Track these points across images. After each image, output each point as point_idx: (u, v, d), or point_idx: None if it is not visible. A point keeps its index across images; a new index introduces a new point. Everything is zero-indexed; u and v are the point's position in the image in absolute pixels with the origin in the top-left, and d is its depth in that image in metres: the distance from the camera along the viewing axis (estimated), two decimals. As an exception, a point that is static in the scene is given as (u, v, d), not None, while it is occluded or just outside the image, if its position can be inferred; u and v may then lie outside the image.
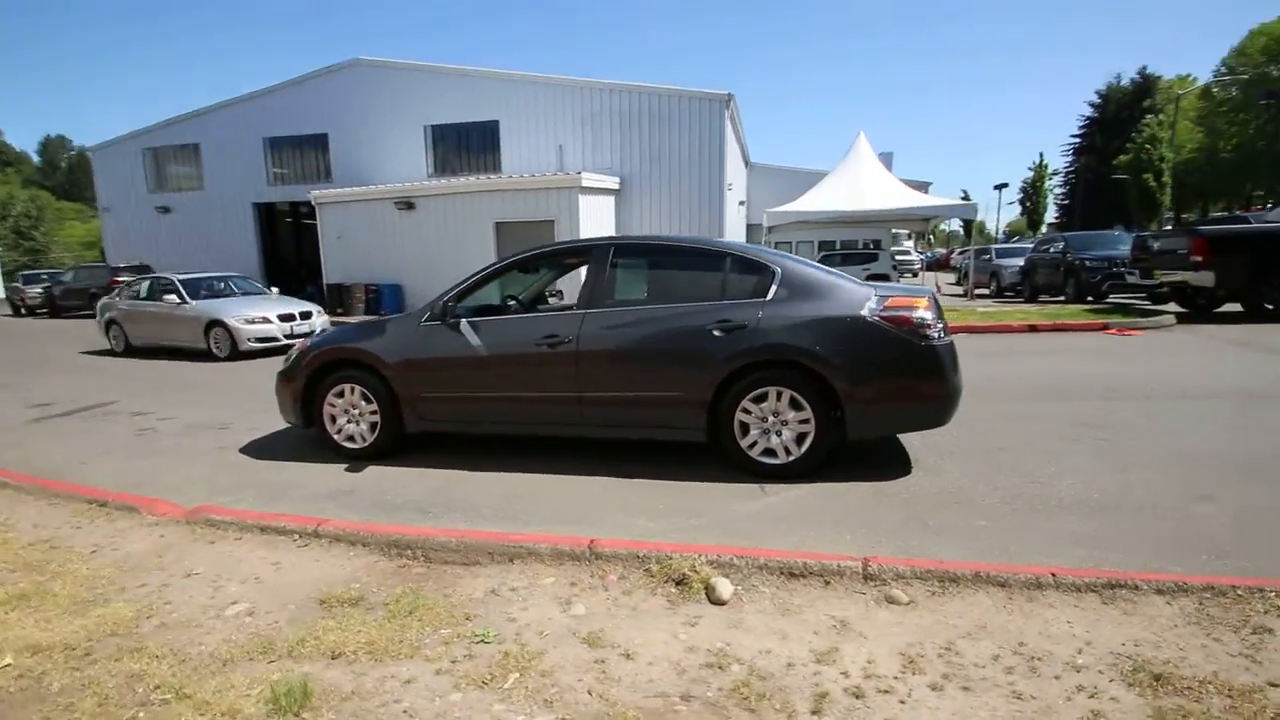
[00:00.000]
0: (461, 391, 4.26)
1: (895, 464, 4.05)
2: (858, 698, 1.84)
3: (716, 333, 3.80)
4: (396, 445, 4.54)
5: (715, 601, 2.39)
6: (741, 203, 25.74)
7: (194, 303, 10.64)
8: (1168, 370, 6.75)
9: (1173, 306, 11.25)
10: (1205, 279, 9.84)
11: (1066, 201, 57.83)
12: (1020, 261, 18.64)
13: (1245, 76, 37.14)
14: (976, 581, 2.39)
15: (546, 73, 20.19)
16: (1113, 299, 13.46)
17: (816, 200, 20.02)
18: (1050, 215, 59.39)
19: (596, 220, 17.61)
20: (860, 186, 20.24)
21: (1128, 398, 5.57)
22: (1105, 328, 9.83)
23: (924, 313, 3.69)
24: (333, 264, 18.63)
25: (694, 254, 4.20)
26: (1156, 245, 11.10)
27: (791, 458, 3.81)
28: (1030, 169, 59.11)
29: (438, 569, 2.75)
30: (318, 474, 4.28)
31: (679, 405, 3.91)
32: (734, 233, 20.93)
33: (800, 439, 3.80)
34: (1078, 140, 58.36)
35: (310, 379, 4.56)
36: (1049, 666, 1.95)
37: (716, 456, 4.08)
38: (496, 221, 16.96)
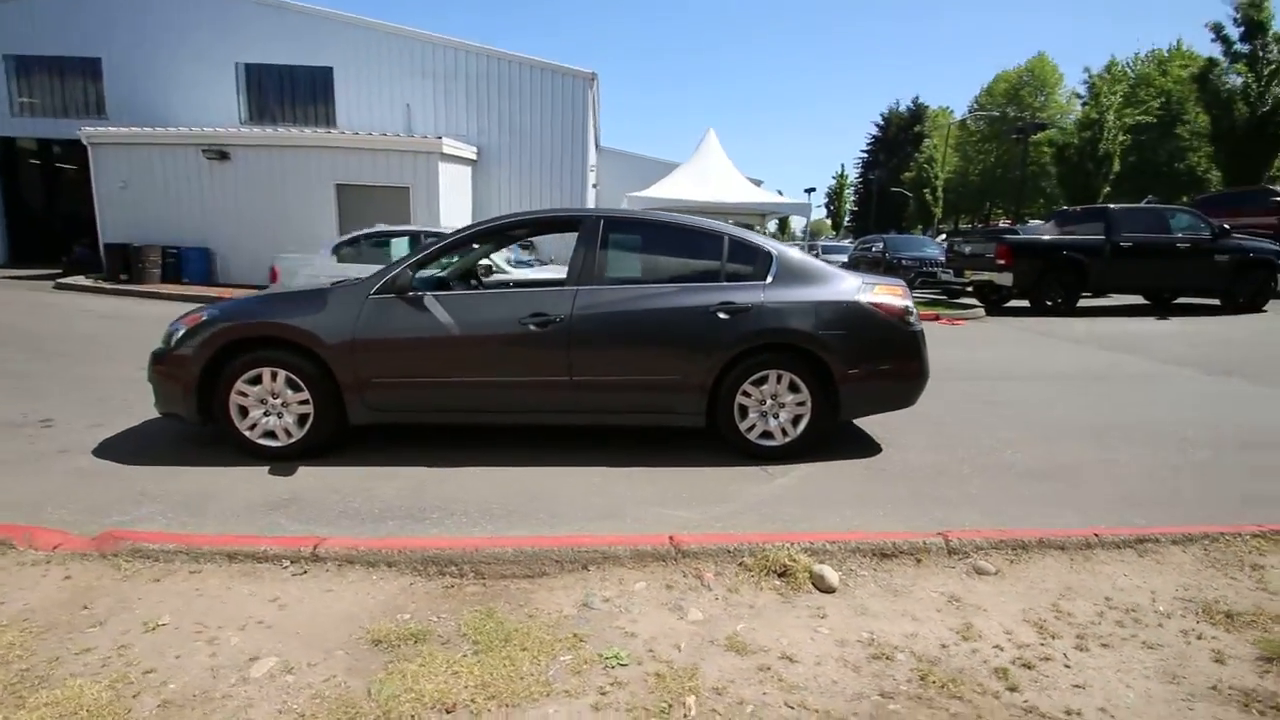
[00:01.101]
0: (426, 376, 3.67)
1: (860, 442, 4.28)
2: (1029, 668, 1.90)
3: (721, 315, 3.70)
4: (331, 442, 3.80)
5: (825, 590, 2.32)
6: (595, 185, 25.67)
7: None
8: (1009, 355, 8.01)
9: (968, 301, 13.39)
10: (1006, 279, 11.85)
11: (856, 208, 66.40)
12: (844, 258, 21.01)
13: (996, 114, 45.11)
14: (1041, 547, 2.60)
15: (392, 21, 18.21)
16: (919, 294, 15.73)
17: (672, 189, 20.62)
18: (845, 219, 67.94)
19: (456, 192, 16.41)
20: (711, 179, 21.26)
21: (997, 378, 6.49)
22: (937, 318, 11.41)
23: (908, 300, 3.93)
24: (113, 220, 15.15)
25: (690, 234, 4.03)
26: (968, 250, 13.12)
27: (788, 439, 3.85)
28: (834, 178, 66.86)
29: (496, 585, 2.33)
30: (234, 480, 3.42)
31: (679, 389, 3.75)
32: (591, 215, 20.72)
33: (796, 420, 3.86)
34: (866, 155, 67.18)
35: (211, 361, 3.62)
36: (1145, 616, 2.19)
37: (708, 440, 4.01)
38: (338, 183, 15.03)
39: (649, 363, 3.72)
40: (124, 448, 3.91)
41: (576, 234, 3.88)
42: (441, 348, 3.65)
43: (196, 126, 15.85)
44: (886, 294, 3.89)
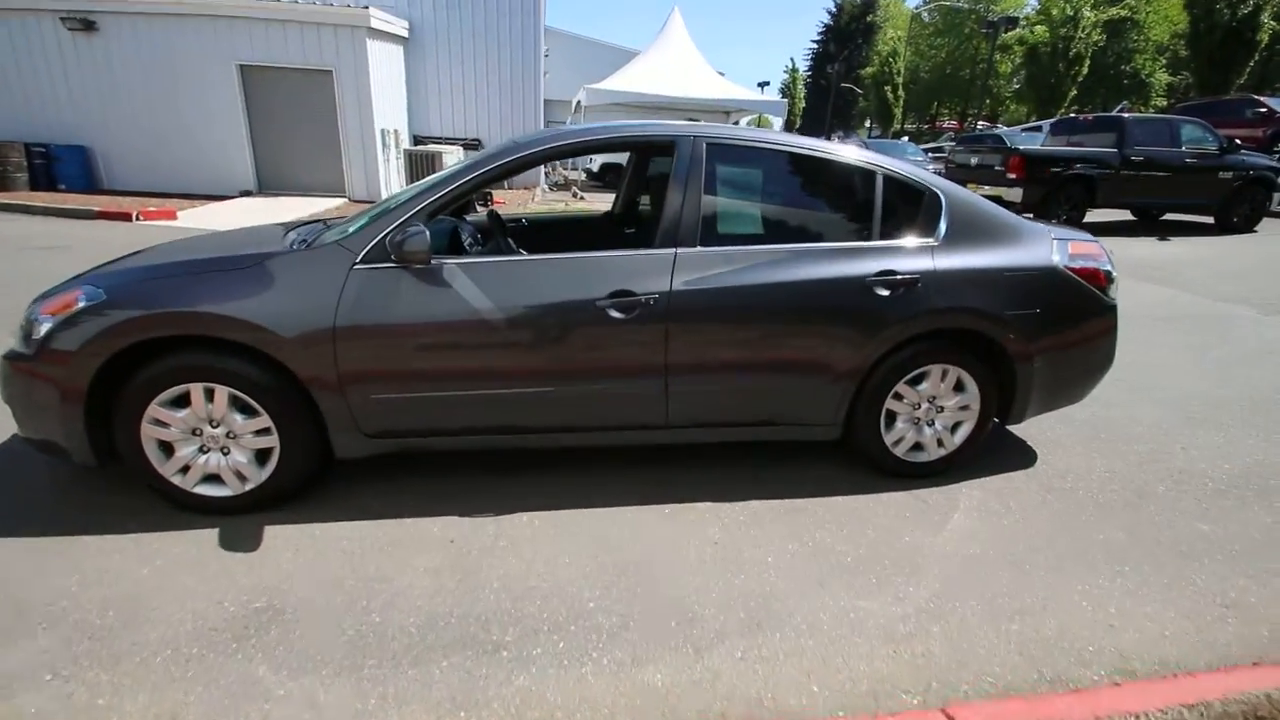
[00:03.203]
0: (453, 387, 2.44)
1: (997, 440, 3.41)
2: None
3: (880, 290, 2.59)
4: (304, 483, 2.58)
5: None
6: (545, 74, 22.85)
7: None
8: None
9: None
10: (1015, 194, 11.03)
11: (805, 105, 63.66)
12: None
13: (961, 4, 42.84)
14: None
15: None
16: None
17: (634, 81, 18.57)
18: (800, 118, 65.29)
19: (388, 79, 13.92)
20: (677, 71, 19.24)
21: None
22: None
23: (1109, 263, 2.92)
24: (-51, 108, 12.08)
25: (830, 167, 2.79)
26: (974, 161, 12.14)
27: (944, 452, 2.90)
28: (785, 72, 63.70)
29: None
30: (168, 564, 2.19)
31: (814, 392, 2.69)
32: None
33: (954, 427, 2.90)
34: (816, 45, 63.64)
35: (101, 372, 2.27)
36: None
37: (814, 447, 3.02)
38: (241, 64, 12.35)
39: (777, 358, 2.61)
40: (-25, 498, 2.55)
41: (666, 164, 2.61)
42: (475, 345, 2.41)
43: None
44: (1086, 254, 2.86)
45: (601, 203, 14.99)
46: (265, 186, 13.21)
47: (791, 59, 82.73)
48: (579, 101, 18.33)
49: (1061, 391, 2.98)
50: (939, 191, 2.76)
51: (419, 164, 12.19)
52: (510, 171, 2.51)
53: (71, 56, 12.14)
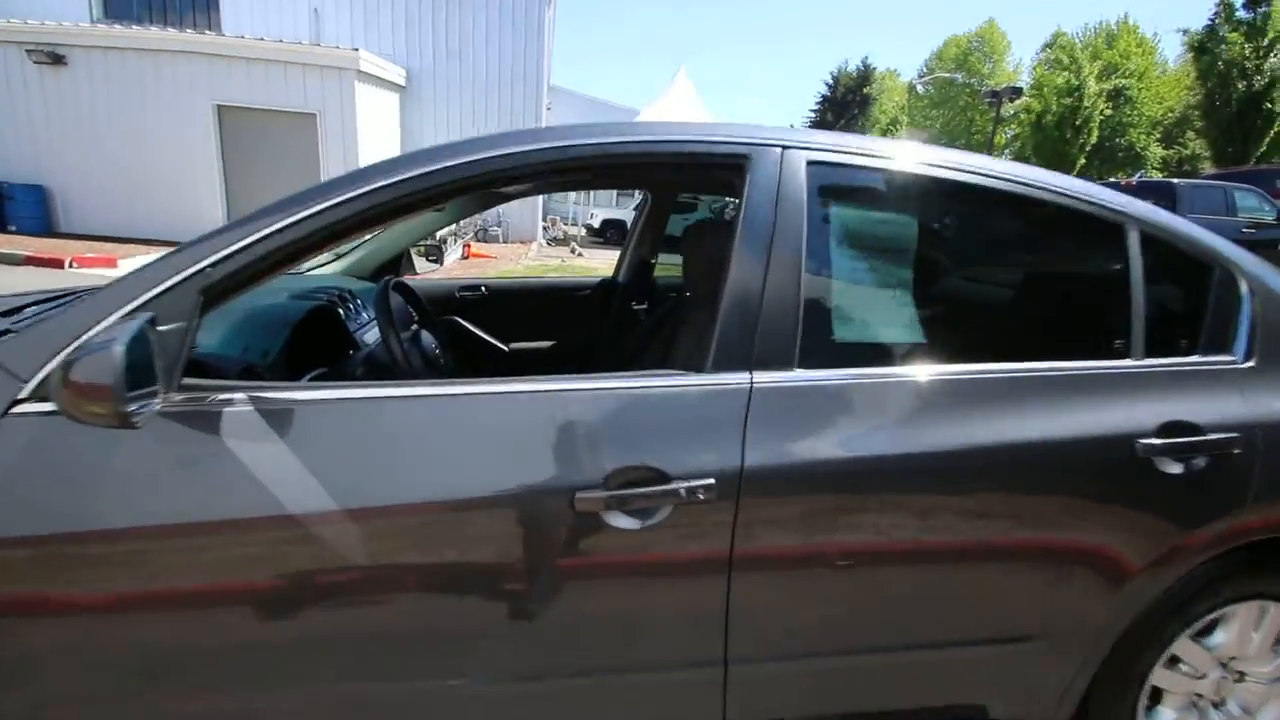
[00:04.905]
0: (257, 678, 1.09)
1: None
2: None
3: (1169, 464, 1.27)
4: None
5: None
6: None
7: None
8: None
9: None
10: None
11: (805, 170, 64.42)
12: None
13: (957, 77, 43.63)
14: None
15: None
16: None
17: (640, 136, 17.79)
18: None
19: (378, 123, 13.04)
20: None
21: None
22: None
23: None
24: (-109, 141, 11.06)
25: (1037, 211, 1.47)
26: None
27: (1242, 753, 1.53)
28: (787, 137, 65.10)
29: None
30: None
31: (1017, 661, 1.33)
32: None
33: (1259, 709, 1.53)
34: (814, 114, 65.09)
35: None
36: None
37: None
38: (218, 104, 11.41)
39: (948, 602, 1.27)
40: None
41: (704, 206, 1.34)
42: (294, 586, 1.06)
43: (30, 20, 11.69)
44: None
45: (604, 262, 13.87)
46: (237, 233, 12.12)
47: (792, 125, 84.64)
48: (581, 155, 17.58)
49: None
50: (1232, 266, 1.47)
51: (402, 213, 11.10)
52: (381, 214, 1.18)
53: (36, 91, 11.21)
